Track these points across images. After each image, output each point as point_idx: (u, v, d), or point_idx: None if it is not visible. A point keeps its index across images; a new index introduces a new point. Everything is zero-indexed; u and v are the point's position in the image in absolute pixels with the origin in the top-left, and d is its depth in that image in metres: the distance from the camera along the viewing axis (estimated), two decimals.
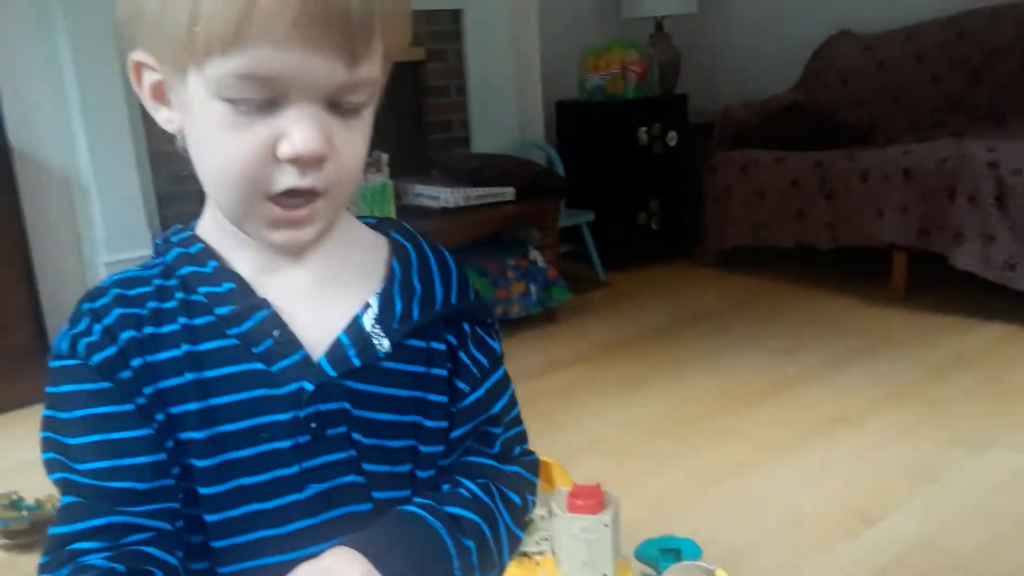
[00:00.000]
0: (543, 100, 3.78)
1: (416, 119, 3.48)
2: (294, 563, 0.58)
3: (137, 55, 0.60)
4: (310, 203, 0.60)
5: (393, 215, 2.55)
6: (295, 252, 0.65)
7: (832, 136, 3.39)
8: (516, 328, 2.85)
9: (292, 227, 0.61)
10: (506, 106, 3.62)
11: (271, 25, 0.53)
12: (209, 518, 0.63)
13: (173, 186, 2.86)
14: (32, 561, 1.71)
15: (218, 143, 0.58)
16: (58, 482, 0.61)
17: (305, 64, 0.55)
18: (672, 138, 3.74)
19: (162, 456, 0.61)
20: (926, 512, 1.65)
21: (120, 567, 0.58)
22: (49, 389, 0.63)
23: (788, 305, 3.07)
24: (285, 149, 0.57)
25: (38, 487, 1.85)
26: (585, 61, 3.74)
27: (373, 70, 0.58)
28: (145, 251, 2.75)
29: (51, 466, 0.62)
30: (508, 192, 2.93)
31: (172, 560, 0.61)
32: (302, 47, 0.54)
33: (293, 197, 0.59)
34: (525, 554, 1.34)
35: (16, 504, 1.79)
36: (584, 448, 2.01)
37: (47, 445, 0.62)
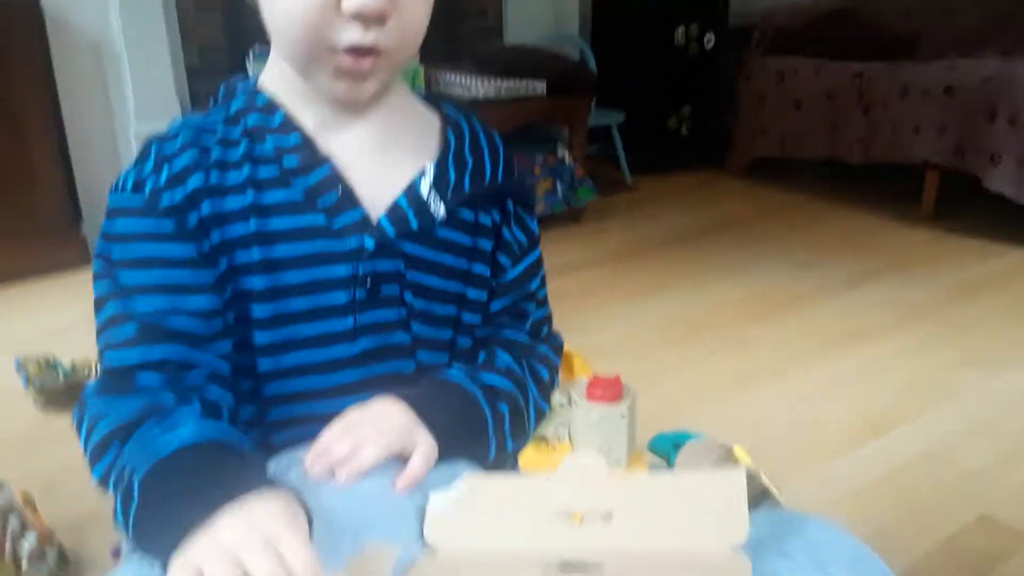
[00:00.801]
0: None
1: (450, 4, 3.39)
2: (337, 415, 0.61)
3: None
4: (373, 56, 0.61)
5: None
6: (355, 106, 0.66)
7: (875, 47, 3.28)
8: (539, 225, 2.84)
9: (354, 79, 0.62)
10: None
11: None
12: (262, 366, 0.65)
13: (203, 60, 2.83)
14: (65, 421, 1.78)
15: None
16: (114, 316, 0.62)
17: None
18: (709, 40, 3.64)
19: (218, 303, 0.63)
20: (936, 426, 1.68)
21: (196, 401, 0.60)
22: (106, 223, 0.64)
23: (814, 219, 3.06)
24: (348, 3, 0.58)
25: (73, 350, 1.91)
26: None
27: None
28: None
29: (105, 300, 0.63)
30: (540, 86, 2.89)
31: (228, 401, 0.63)
32: None
33: (355, 54, 0.60)
34: (543, 439, 1.38)
35: (52, 366, 1.85)
36: (602, 349, 2.04)
37: (101, 281, 0.63)
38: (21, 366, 1.85)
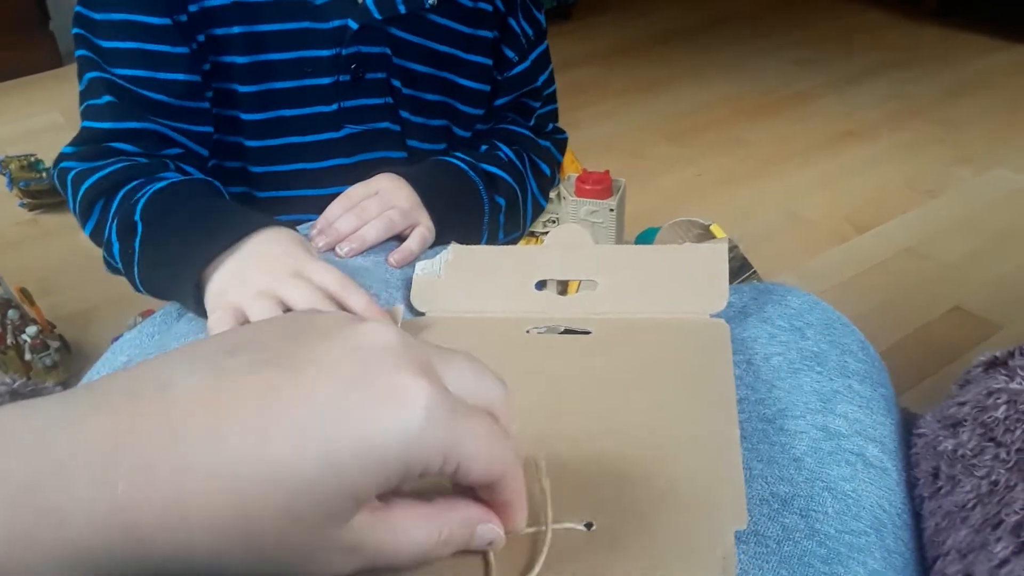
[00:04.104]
0: None
1: None
2: (328, 198, 0.61)
3: None
4: None
5: None
6: None
7: None
8: None
9: None
10: None
11: None
12: (249, 143, 0.65)
13: None
14: (53, 220, 1.79)
15: None
16: (93, 80, 0.61)
17: None
18: None
19: (197, 77, 0.61)
20: (918, 222, 1.71)
21: (172, 173, 0.60)
22: None
23: (814, 15, 2.94)
24: None
25: (54, 151, 1.88)
26: None
27: None
28: None
29: (85, 64, 0.62)
30: None
31: (197, 175, 0.63)
32: None
33: None
34: (532, 233, 1.40)
35: (35, 165, 1.83)
36: (594, 147, 2.02)
37: (80, 42, 0.62)
38: (3, 166, 1.82)
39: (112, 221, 0.58)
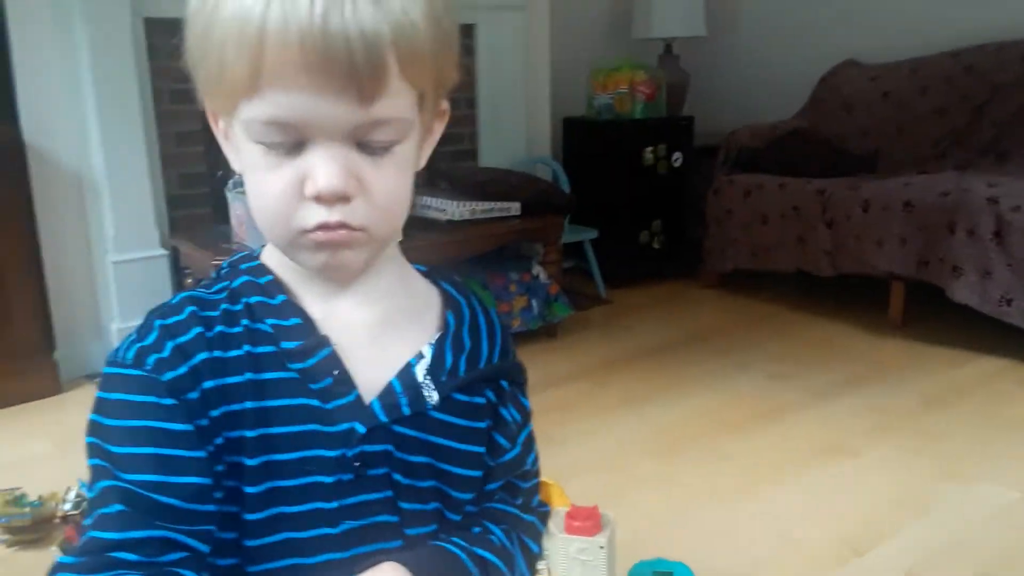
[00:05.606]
0: (551, 116, 3.82)
1: None
2: None
3: (205, 102, 0.64)
4: (345, 230, 0.61)
5: None
6: (343, 278, 0.67)
7: (836, 163, 3.42)
8: (516, 342, 2.83)
9: (332, 249, 0.62)
10: (514, 121, 3.66)
11: (279, 72, 0.56)
12: (248, 543, 0.65)
13: (183, 188, 2.89)
14: (32, 558, 1.74)
15: (257, 183, 0.62)
16: (105, 490, 0.61)
17: (316, 106, 0.57)
18: (677, 159, 3.78)
19: (209, 480, 0.62)
20: (915, 544, 1.67)
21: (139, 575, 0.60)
22: (101, 394, 0.64)
23: (787, 330, 3.10)
24: (309, 188, 0.60)
25: (41, 484, 1.88)
26: (594, 79, 3.78)
27: (396, 108, 0.60)
28: (153, 251, 2.79)
29: (97, 473, 0.63)
30: (514, 207, 2.96)
31: None
32: (310, 90, 0.56)
33: (325, 229, 0.62)
34: None
35: (19, 500, 1.81)
36: (580, 465, 2.04)
37: (93, 451, 0.63)
38: None
39: None
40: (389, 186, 0.63)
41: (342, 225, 0.61)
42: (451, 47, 0.64)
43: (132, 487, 0.61)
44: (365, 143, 0.60)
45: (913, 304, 3.00)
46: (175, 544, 0.61)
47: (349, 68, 0.56)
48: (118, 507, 0.61)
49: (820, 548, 1.67)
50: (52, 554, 1.64)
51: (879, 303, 3.08)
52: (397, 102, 0.60)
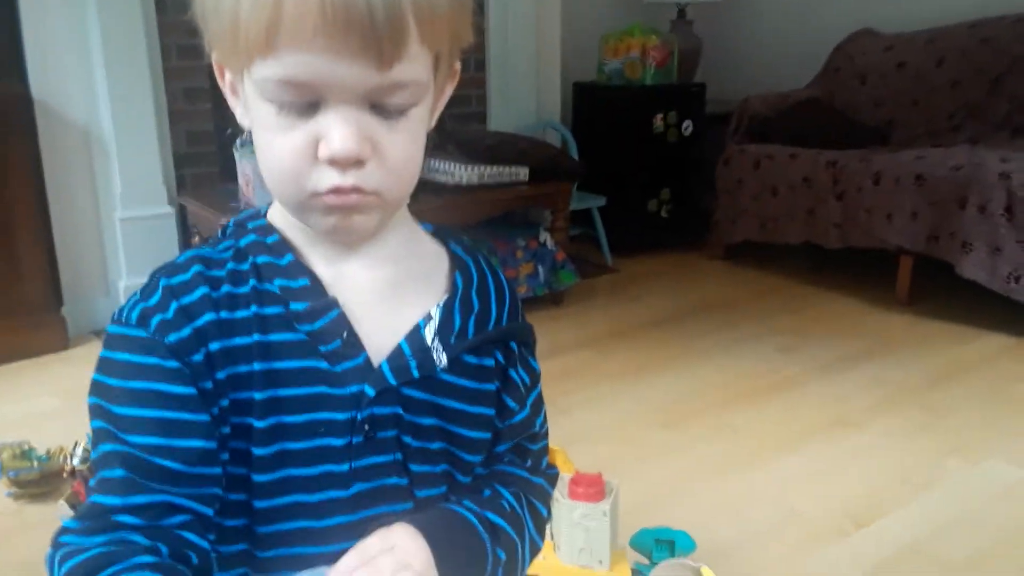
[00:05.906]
0: (561, 81, 3.78)
1: None
2: (331, 555, 0.61)
3: (213, 55, 0.63)
4: (358, 194, 0.61)
5: None
6: (354, 242, 0.67)
7: (848, 134, 3.39)
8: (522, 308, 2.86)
9: (343, 212, 0.62)
10: (524, 84, 3.62)
11: (297, 32, 0.54)
12: (258, 504, 0.65)
13: (190, 146, 2.88)
14: (39, 512, 1.75)
15: (268, 142, 0.61)
16: (108, 454, 0.61)
17: (333, 68, 0.56)
18: (687, 127, 3.74)
19: (213, 443, 0.62)
20: (918, 518, 1.68)
21: (163, 547, 0.59)
22: (105, 354, 0.63)
23: (793, 303, 3.10)
24: (323, 150, 0.58)
25: (49, 438, 1.89)
26: (605, 44, 3.74)
27: (413, 71, 0.59)
28: (160, 209, 2.78)
29: (100, 436, 0.62)
30: (523, 172, 2.94)
31: (205, 544, 0.62)
32: (329, 52, 0.55)
33: (337, 193, 0.61)
34: None
35: (27, 454, 1.83)
36: (585, 434, 2.04)
37: (96, 413, 0.63)
38: None
39: None
40: (403, 150, 0.62)
41: (355, 189, 0.60)
42: (466, 5, 0.63)
43: (134, 451, 0.61)
44: (380, 106, 0.59)
45: (920, 280, 2.98)
46: (178, 508, 0.61)
47: (370, 30, 0.54)
48: (120, 472, 0.61)
49: (823, 520, 1.68)
50: (59, 507, 1.65)
51: (886, 278, 3.07)
52: (414, 65, 0.59)
